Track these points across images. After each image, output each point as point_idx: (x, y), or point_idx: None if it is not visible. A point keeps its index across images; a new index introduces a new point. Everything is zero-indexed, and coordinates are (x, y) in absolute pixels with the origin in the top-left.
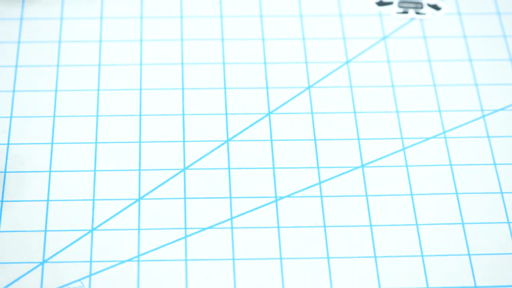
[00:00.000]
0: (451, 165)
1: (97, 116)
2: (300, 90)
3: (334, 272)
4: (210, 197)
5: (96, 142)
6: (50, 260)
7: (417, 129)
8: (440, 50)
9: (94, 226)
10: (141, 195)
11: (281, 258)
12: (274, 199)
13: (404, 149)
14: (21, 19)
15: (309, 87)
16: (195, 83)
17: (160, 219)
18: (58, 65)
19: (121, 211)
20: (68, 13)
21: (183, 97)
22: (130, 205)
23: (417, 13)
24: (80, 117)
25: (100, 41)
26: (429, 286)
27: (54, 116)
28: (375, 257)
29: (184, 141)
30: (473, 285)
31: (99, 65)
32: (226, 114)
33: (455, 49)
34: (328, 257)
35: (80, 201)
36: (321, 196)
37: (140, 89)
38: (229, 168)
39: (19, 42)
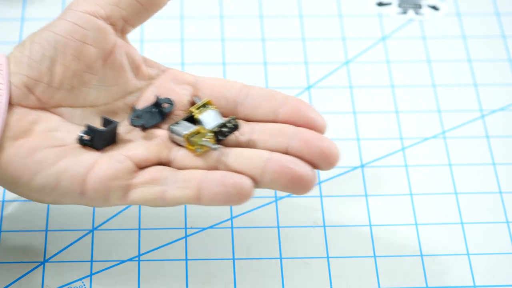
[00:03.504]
0: (450, 165)
1: None
2: (300, 90)
3: (334, 272)
4: None
5: None
6: (51, 260)
7: (417, 129)
8: (439, 51)
9: (95, 225)
10: None
11: (281, 258)
12: (274, 199)
13: (403, 149)
14: (22, 19)
15: (309, 87)
16: None
17: (160, 219)
18: None
19: (121, 211)
20: None
21: None
22: (131, 205)
23: (417, 13)
24: None
25: None
26: (429, 286)
27: None
28: (375, 257)
29: None
30: (472, 284)
31: None
32: None
33: (454, 50)
34: (328, 257)
35: None
36: (321, 196)
37: None
38: None
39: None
